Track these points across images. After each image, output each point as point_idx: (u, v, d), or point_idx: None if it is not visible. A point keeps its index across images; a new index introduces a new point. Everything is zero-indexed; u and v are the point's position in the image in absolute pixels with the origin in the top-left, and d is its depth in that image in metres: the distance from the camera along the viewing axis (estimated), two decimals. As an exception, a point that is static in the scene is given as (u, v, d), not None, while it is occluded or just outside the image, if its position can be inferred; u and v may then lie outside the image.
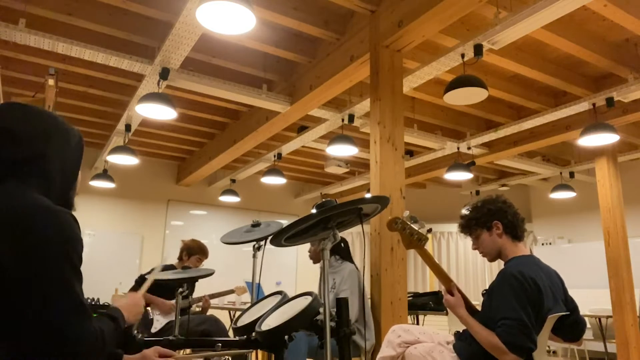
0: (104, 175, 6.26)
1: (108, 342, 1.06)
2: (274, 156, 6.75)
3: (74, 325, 0.98)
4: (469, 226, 2.15)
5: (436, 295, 4.91)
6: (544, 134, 5.89)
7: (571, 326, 2.04)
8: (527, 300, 1.82)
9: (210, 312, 4.27)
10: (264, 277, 7.98)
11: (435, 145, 6.24)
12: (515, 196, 8.93)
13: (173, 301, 3.87)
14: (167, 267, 3.82)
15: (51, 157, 1.12)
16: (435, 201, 9.38)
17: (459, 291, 2.04)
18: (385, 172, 3.32)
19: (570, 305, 2.04)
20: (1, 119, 1.11)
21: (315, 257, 3.27)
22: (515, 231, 2.08)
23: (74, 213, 1.20)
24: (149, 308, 3.83)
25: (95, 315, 1.08)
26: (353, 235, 9.52)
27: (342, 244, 3.21)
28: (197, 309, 4.29)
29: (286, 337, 1.56)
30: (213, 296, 4.29)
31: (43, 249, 0.99)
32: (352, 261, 3.17)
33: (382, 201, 1.69)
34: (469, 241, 2.23)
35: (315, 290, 2.74)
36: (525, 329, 1.77)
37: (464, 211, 2.21)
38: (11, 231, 0.98)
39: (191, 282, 2.41)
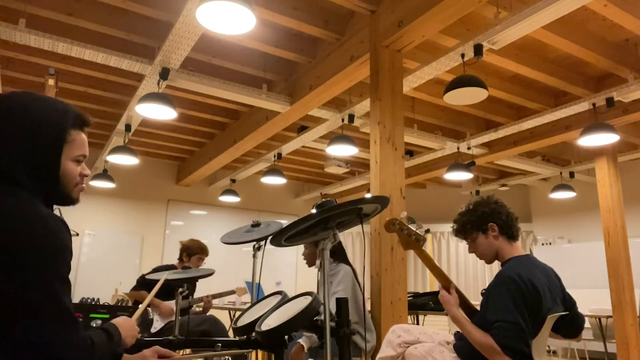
0: (104, 175, 6.25)
1: (98, 352, 1.05)
2: (274, 156, 6.75)
3: (62, 334, 0.98)
4: (464, 230, 2.14)
5: (436, 295, 4.88)
6: (544, 134, 5.89)
7: (570, 323, 2.05)
8: (524, 304, 1.81)
9: (210, 312, 4.27)
10: (264, 277, 7.98)
11: (435, 145, 6.24)
12: (515, 196, 8.93)
13: (172, 303, 3.87)
14: (167, 267, 3.82)
15: (13, 157, 1.08)
16: (435, 201, 9.38)
17: (458, 292, 2.04)
18: (385, 172, 3.32)
19: (569, 302, 2.05)
20: None
21: (310, 259, 3.24)
22: (511, 231, 2.08)
23: (78, 208, 1.18)
24: (149, 308, 3.83)
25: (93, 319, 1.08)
26: (353, 235, 9.52)
27: (337, 245, 3.16)
28: (198, 309, 4.28)
29: (286, 337, 1.56)
30: (214, 296, 4.29)
31: (30, 257, 0.97)
32: (347, 262, 3.09)
33: (382, 201, 1.69)
34: (468, 241, 2.23)
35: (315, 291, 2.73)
36: (520, 333, 1.77)
37: (457, 215, 2.20)
38: None
39: (192, 282, 2.41)
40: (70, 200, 1.19)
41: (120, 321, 1.23)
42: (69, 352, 0.98)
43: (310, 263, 3.23)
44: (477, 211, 2.11)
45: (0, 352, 0.95)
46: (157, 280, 1.88)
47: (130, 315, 1.37)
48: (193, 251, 4.01)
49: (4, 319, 0.95)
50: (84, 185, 1.23)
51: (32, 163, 1.09)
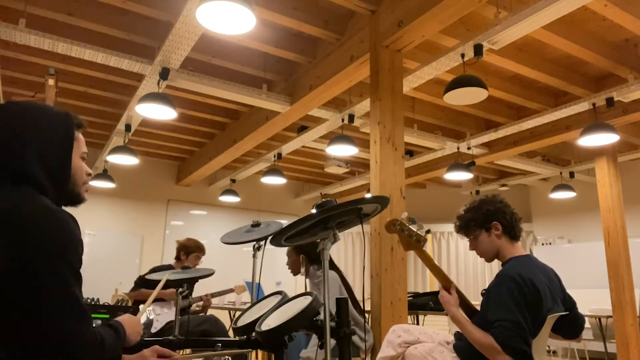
0: (104, 175, 6.25)
1: (107, 348, 1.06)
2: (274, 156, 6.75)
3: (73, 327, 0.99)
4: (467, 227, 2.13)
5: (436, 295, 4.88)
6: (544, 134, 5.89)
7: (570, 323, 2.05)
8: (524, 303, 1.81)
9: (210, 312, 4.27)
10: (264, 277, 7.97)
11: (435, 145, 6.23)
12: (515, 196, 8.93)
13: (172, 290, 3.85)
14: (165, 268, 3.82)
15: (30, 157, 1.10)
16: (435, 201, 9.38)
17: (458, 292, 2.04)
18: (385, 172, 3.32)
19: (569, 302, 2.05)
20: None
21: (294, 268, 3.23)
22: (514, 231, 2.08)
23: (78, 208, 1.20)
24: (149, 308, 3.83)
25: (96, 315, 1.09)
26: (353, 235, 9.52)
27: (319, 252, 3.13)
28: (197, 308, 4.28)
29: (286, 337, 1.56)
30: (213, 295, 4.29)
31: (42, 252, 0.98)
32: (333, 267, 3.03)
33: (382, 201, 1.69)
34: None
35: None
36: (521, 332, 1.76)
37: (461, 211, 2.19)
38: (10, 234, 0.97)
39: (191, 282, 2.41)
40: (79, 199, 1.23)
41: (125, 318, 1.24)
42: (80, 347, 0.99)
43: (295, 272, 3.21)
44: (482, 209, 2.10)
45: (13, 345, 0.96)
46: (157, 280, 1.88)
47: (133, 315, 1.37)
48: (191, 249, 4.02)
49: (16, 312, 0.95)
50: (88, 184, 1.27)
51: (46, 160, 1.12)
